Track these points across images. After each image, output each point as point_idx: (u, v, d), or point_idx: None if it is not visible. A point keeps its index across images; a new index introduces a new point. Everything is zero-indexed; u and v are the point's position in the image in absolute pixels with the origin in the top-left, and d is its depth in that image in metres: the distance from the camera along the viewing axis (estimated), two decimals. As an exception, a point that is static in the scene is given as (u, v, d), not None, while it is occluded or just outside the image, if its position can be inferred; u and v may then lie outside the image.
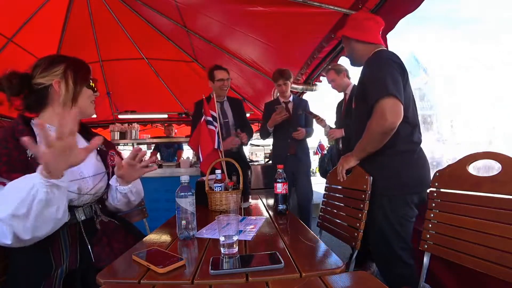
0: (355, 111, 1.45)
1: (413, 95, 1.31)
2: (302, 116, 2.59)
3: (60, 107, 0.94)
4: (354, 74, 2.30)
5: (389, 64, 1.22)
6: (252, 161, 4.67)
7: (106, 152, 1.08)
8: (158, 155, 4.92)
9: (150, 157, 5.01)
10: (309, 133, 2.57)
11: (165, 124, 5.13)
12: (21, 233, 0.70)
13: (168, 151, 4.84)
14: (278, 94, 2.70)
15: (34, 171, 0.79)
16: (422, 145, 1.30)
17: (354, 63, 1.51)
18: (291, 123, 2.50)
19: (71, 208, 0.92)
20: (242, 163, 2.47)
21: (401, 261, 1.22)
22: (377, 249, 1.33)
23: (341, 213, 1.42)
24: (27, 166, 0.81)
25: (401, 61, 1.26)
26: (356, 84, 1.62)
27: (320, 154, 5.93)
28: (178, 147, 4.91)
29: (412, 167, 1.25)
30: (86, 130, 1.09)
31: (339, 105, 2.52)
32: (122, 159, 1.04)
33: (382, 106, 1.17)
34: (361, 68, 1.41)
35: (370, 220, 1.25)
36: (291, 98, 2.62)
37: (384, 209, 1.24)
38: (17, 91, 0.90)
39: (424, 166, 1.28)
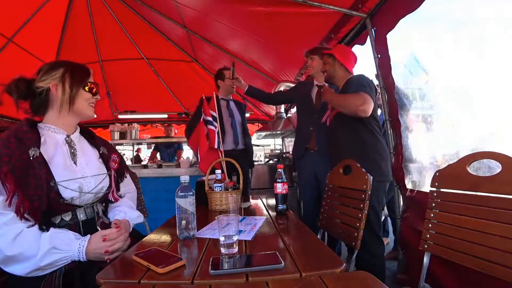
0: (339, 116, 1.70)
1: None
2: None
3: (59, 110, 0.98)
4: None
5: (370, 86, 1.60)
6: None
7: (108, 155, 1.10)
8: (158, 155, 4.92)
9: (150, 157, 5.03)
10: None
11: (165, 124, 5.13)
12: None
13: (168, 151, 4.83)
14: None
15: (35, 171, 0.83)
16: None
17: (330, 79, 1.84)
18: (318, 109, 2.02)
19: (72, 207, 0.93)
20: (246, 161, 2.48)
21: (380, 241, 1.51)
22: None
23: (341, 213, 1.42)
24: (28, 165, 0.83)
25: (375, 86, 1.69)
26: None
27: None
28: (178, 147, 4.90)
29: (385, 160, 1.63)
30: (89, 133, 1.14)
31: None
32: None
33: (365, 97, 1.50)
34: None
35: None
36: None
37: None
38: (23, 95, 0.95)
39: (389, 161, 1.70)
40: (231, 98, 2.54)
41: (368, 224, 1.40)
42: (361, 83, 1.60)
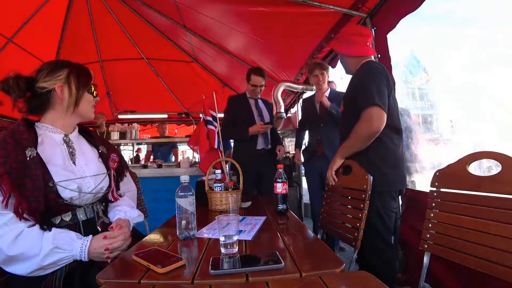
0: (344, 115, 1.56)
1: (397, 103, 1.47)
2: (339, 111, 2.20)
3: (63, 111, 0.97)
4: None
5: (377, 76, 1.36)
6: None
7: (108, 155, 1.09)
8: (152, 156, 4.87)
9: (146, 157, 4.98)
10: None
11: (156, 124, 5.05)
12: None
13: (161, 149, 4.78)
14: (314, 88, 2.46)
15: (32, 172, 0.83)
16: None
17: (347, 72, 1.65)
18: (323, 119, 2.31)
19: (72, 207, 0.93)
20: (272, 162, 2.37)
21: (389, 246, 1.40)
22: (367, 241, 1.35)
23: (341, 213, 1.42)
24: (25, 166, 0.82)
25: (387, 73, 1.39)
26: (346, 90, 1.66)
27: None
28: (173, 145, 4.86)
29: (394, 167, 1.41)
30: (88, 133, 1.13)
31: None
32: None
33: (370, 113, 1.31)
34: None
35: None
36: (327, 93, 2.37)
37: (375, 205, 1.32)
38: (23, 94, 0.93)
39: (403, 165, 1.49)
40: (259, 96, 2.43)
41: (375, 229, 1.37)
42: (365, 85, 1.35)
